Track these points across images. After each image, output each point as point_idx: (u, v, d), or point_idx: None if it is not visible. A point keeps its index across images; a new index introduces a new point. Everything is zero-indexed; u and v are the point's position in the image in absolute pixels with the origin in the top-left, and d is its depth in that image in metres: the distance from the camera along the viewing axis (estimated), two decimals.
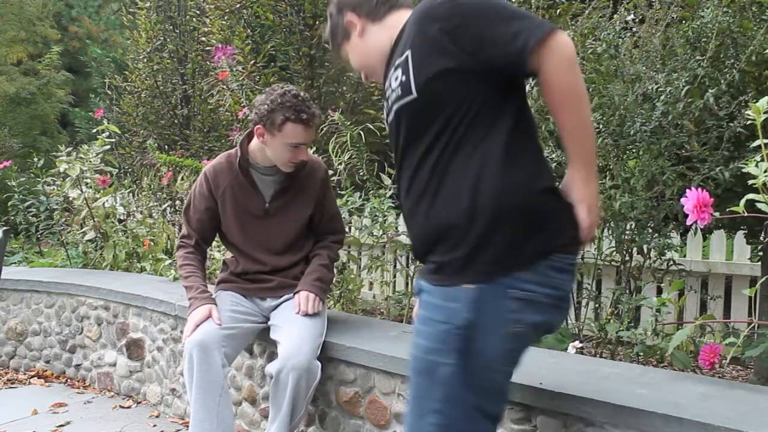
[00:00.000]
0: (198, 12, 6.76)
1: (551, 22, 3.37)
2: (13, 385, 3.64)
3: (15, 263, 5.17)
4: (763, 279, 1.94)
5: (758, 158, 1.58)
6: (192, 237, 2.56)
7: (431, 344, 1.32)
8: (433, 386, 1.31)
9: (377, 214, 3.27)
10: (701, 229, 3.21)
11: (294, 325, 2.35)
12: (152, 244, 4.38)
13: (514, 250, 1.29)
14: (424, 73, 1.34)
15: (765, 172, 1.54)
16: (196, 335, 2.29)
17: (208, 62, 6.06)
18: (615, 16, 2.93)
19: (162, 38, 6.79)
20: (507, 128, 1.34)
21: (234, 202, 2.50)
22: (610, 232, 2.80)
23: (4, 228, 3.37)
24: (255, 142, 2.44)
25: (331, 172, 3.53)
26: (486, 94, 1.34)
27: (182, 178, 4.84)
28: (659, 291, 3.72)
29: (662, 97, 2.52)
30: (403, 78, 1.39)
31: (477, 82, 1.33)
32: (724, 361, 3.14)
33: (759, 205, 1.56)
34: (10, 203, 5.35)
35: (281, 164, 2.42)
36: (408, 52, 1.37)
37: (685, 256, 3.92)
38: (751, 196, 1.57)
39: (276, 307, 2.52)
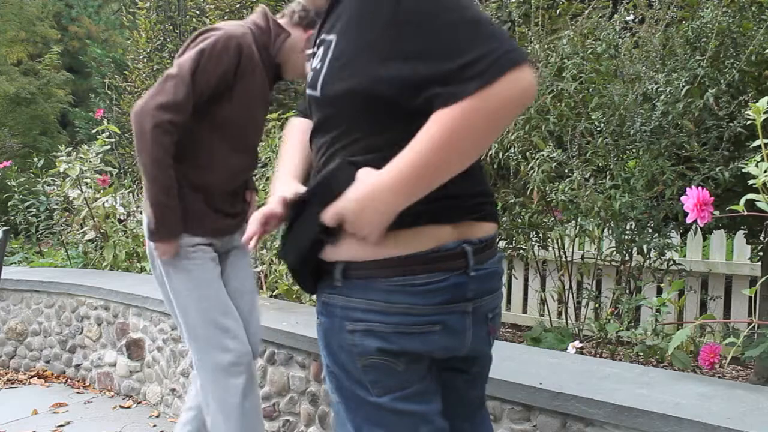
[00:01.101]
0: (198, 12, 6.76)
1: (551, 22, 3.40)
2: (13, 385, 3.64)
3: (15, 263, 5.17)
4: (763, 279, 1.93)
5: (758, 158, 1.58)
6: (186, 111, 1.90)
7: (327, 384, 1.23)
8: (341, 426, 1.21)
9: None
10: (701, 229, 3.21)
11: (249, 298, 2.19)
12: None
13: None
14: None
15: (765, 172, 1.54)
16: (232, 348, 2.02)
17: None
18: (615, 16, 2.93)
19: (162, 38, 6.78)
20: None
21: (249, 94, 2.04)
22: (610, 232, 2.81)
23: (4, 228, 3.37)
24: (290, 43, 2.06)
25: None
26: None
27: None
28: (659, 291, 3.72)
29: (662, 97, 2.52)
30: (318, 65, 1.14)
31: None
32: (724, 361, 3.14)
33: (759, 205, 1.56)
34: (10, 203, 5.36)
35: (303, 73, 2.10)
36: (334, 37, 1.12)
37: (685, 256, 3.91)
38: (751, 195, 1.57)
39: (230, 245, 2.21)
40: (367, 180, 1.05)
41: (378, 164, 1.06)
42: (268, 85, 2.10)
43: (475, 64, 0.97)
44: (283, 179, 1.27)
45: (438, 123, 0.99)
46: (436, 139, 0.99)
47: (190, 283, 2.02)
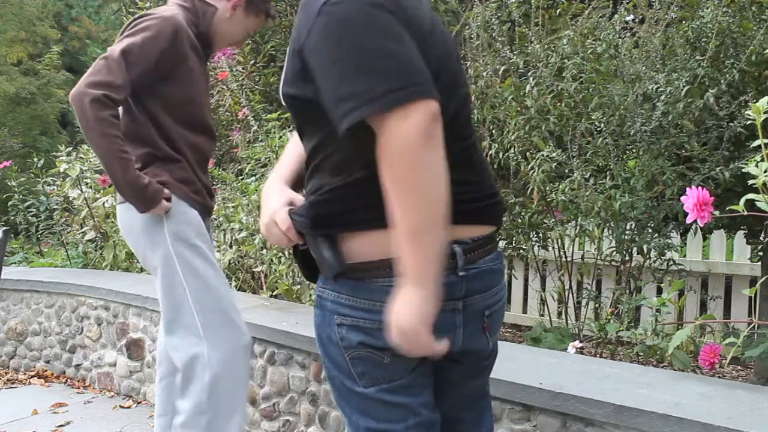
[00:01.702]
0: None
1: (551, 22, 3.40)
2: (13, 385, 3.64)
3: (15, 263, 5.17)
4: (763, 279, 1.93)
5: (758, 158, 1.57)
6: (124, 92, 1.90)
7: None
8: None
9: None
10: (701, 229, 3.21)
11: None
12: None
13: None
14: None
15: (765, 172, 1.54)
16: (244, 331, 2.06)
17: (207, 62, 6.08)
18: (615, 16, 2.94)
19: None
20: None
21: (192, 75, 2.07)
22: (610, 232, 2.81)
23: (4, 228, 3.37)
24: (217, 16, 2.13)
25: None
26: None
27: None
28: (659, 291, 3.72)
29: (662, 97, 2.52)
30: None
31: None
32: (724, 361, 3.14)
33: (759, 205, 1.56)
34: (10, 203, 5.35)
35: (231, 42, 2.27)
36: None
37: (685, 256, 3.91)
38: (751, 195, 1.57)
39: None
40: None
41: (340, 191, 1.11)
42: (204, 63, 2.16)
43: (344, 103, 0.99)
44: (276, 185, 1.29)
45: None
46: (395, 205, 1.01)
47: (205, 263, 2.02)
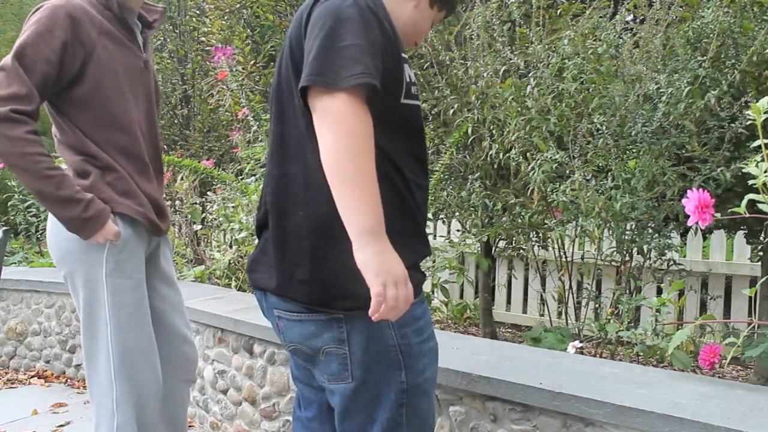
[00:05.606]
0: (198, 12, 6.75)
1: (551, 22, 3.39)
2: (13, 385, 3.64)
3: (15, 263, 5.17)
4: (763, 279, 1.94)
5: (758, 158, 1.57)
6: (33, 101, 1.62)
7: None
8: None
9: None
10: (701, 230, 3.21)
11: (182, 306, 2.01)
12: None
13: None
14: None
15: (765, 172, 1.54)
16: (159, 378, 1.83)
17: (208, 62, 6.06)
18: (616, 16, 2.93)
19: (162, 38, 6.77)
20: None
21: (106, 63, 1.74)
22: (610, 232, 2.81)
23: (4, 228, 3.37)
24: None
25: None
26: None
27: (182, 178, 4.84)
28: (659, 291, 3.72)
29: (663, 98, 2.52)
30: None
31: None
32: (724, 361, 3.14)
33: (760, 206, 1.56)
34: (10, 203, 5.36)
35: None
36: None
37: (685, 256, 3.92)
38: (751, 196, 1.57)
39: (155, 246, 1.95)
40: None
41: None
42: (129, 42, 1.84)
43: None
44: None
45: None
46: None
47: (138, 299, 1.80)
